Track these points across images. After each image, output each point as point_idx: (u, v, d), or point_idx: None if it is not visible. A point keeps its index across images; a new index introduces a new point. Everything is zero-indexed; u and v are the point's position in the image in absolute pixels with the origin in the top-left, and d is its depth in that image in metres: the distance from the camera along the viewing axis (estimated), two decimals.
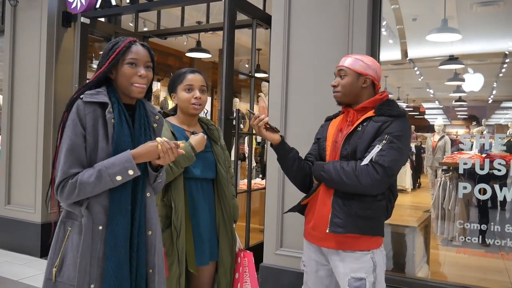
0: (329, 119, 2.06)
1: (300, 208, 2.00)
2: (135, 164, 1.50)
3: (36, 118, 4.40)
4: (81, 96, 1.52)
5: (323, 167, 1.82)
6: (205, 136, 2.01)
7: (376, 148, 1.72)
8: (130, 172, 1.49)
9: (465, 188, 2.91)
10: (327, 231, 1.77)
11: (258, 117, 1.88)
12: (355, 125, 1.84)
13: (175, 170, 1.89)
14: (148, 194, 1.62)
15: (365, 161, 1.71)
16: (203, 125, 2.16)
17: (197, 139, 1.97)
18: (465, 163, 2.87)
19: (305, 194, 2.01)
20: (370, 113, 1.83)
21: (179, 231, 1.91)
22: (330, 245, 1.82)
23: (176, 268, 1.91)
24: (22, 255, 4.38)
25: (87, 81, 1.60)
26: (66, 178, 1.46)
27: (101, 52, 1.64)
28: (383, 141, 1.72)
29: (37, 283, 3.65)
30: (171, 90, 2.08)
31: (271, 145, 1.96)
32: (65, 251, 1.51)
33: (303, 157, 2.03)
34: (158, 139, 1.55)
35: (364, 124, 1.81)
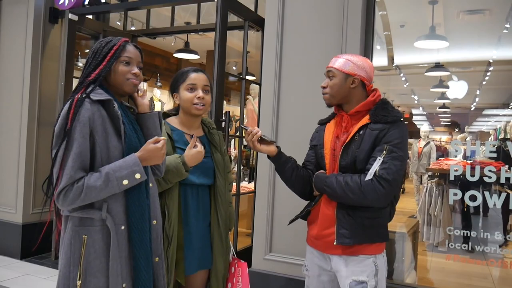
0: (323, 123, 2.03)
1: (303, 215, 1.99)
2: (143, 171, 1.50)
3: (20, 116, 4.29)
4: (85, 94, 1.48)
5: (325, 181, 1.79)
6: (203, 151, 1.91)
7: (378, 161, 1.70)
8: (137, 176, 1.49)
9: (455, 194, 2.93)
10: (335, 243, 1.76)
11: (251, 132, 1.86)
12: (352, 134, 1.81)
13: (163, 185, 1.82)
14: (151, 185, 1.64)
15: (369, 175, 1.69)
16: (204, 128, 2.09)
17: (192, 154, 1.87)
18: (456, 170, 2.89)
19: (303, 200, 2.00)
20: (366, 119, 1.80)
21: (170, 239, 1.84)
22: (335, 252, 1.81)
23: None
24: (2, 256, 4.25)
25: (88, 79, 1.54)
26: (72, 183, 1.42)
27: (89, 50, 1.60)
28: (384, 152, 1.71)
29: (17, 286, 3.55)
30: (173, 89, 2.00)
31: (268, 156, 1.94)
32: (87, 260, 1.46)
33: (301, 164, 2.01)
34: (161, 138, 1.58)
35: (361, 132, 1.79)
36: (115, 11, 4.51)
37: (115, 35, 4.62)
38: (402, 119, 1.79)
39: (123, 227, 1.50)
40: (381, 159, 1.70)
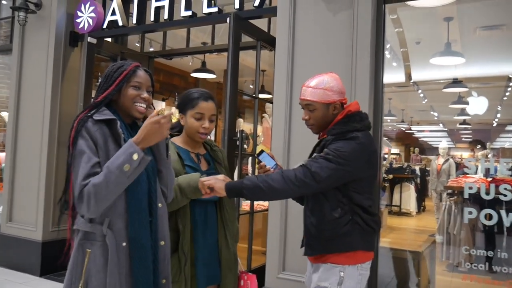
0: None
1: None
2: (140, 149, 1.48)
3: (41, 136, 4.42)
4: (89, 114, 1.55)
5: (244, 178, 1.84)
6: (224, 178, 1.91)
7: (308, 159, 1.82)
8: (135, 156, 1.45)
9: (470, 213, 2.87)
10: (303, 254, 1.93)
11: (264, 167, 1.97)
12: (314, 147, 1.96)
13: (179, 199, 1.84)
14: (160, 205, 1.65)
15: (297, 165, 1.80)
16: (206, 146, 2.14)
17: (216, 178, 1.89)
18: (470, 188, 2.83)
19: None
20: (325, 134, 1.92)
21: (187, 256, 1.87)
22: (311, 260, 1.95)
23: None
24: (22, 273, 4.34)
25: (94, 101, 1.61)
26: (83, 189, 1.45)
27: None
28: (321, 154, 1.80)
29: None
30: (181, 110, 2.04)
31: None
32: (88, 274, 1.49)
33: None
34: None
35: (319, 145, 1.91)
36: (132, 33, 4.64)
37: (132, 57, 4.77)
38: (352, 131, 1.81)
39: (124, 244, 1.51)
40: (315, 155, 1.82)
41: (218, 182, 1.83)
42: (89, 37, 4.12)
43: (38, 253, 4.32)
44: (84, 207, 1.44)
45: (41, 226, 4.34)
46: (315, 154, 1.85)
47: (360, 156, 1.80)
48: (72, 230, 1.60)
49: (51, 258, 4.30)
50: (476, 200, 2.94)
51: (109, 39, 4.61)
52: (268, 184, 1.76)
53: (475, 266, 2.88)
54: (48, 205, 4.36)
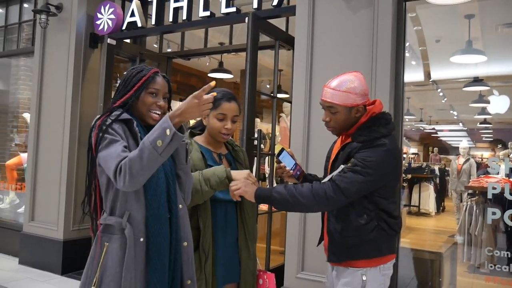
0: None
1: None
2: (172, 125, 1.44)
3: (62, 137, 4.49)
4: (110, 119, 1.57)
5: (274, 189, 1.82)
6: (248, 175, 1.92)
7: (339, 169, 1.76)
8: (168, 131, 1.42)
9: (494, 214, 2.82)
10: (326, 260, 1.90)
11: (284, 167, 1.99)
12: (335, 152, 1.89)
13: (204, 190, 1.84)
14: (180, 206, 1.66)
15: (325, 179, 1.77)
16: (228, 146, 2.14)
17: (241, 172, 1.92)
18: (494, 188, 2.78)
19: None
20: (349, 138, 1.85)
21: (207, 254, 1.88)
22: (333, 263, 1.92)
23: None
24: (44, 271, 4.42)
25: (112, 105, 1.64)
26: (120, 161, 1.44)
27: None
28: (348, 164, 1.75)
29: None
30: None
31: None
32: (104, 267, 1.50)
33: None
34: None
35: (343, 151, 1.84)
36: (151, 34, 4.68)
37: (151, 58, 4.82)
38: (380, 138, 1.75)
39: (142, 239, 1.52)
40: (342, 167, 1.76)
41: (247, 189, 1.82)
42: (108, 39, 4.17)
43: (59, 252, 4.39)
44: (121, 181, 1.44)
45: (62, 225, 4.41)
46: (342, 166, 1.76)
47: (387, 163, 1.76)
48: (94, 229, 1.62)
49: (72, 256, 4.36)
50: (500, 201, 2.89)
51: (128, 40, 4.66)
52: (296, 200, 1.75)
53: (498, 267, 2.83)
54: (69, 205, 4.43)
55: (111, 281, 1.48)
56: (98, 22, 4.47)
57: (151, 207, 1.55)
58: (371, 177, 1.71)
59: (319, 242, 2.07)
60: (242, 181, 1.84)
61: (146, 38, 5.00)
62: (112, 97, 1.70)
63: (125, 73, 1.69)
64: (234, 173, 1.90)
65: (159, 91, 1.66)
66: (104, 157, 1.49)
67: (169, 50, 5.66)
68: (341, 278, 1.84)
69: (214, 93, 1.53)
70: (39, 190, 4.66)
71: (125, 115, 1.58)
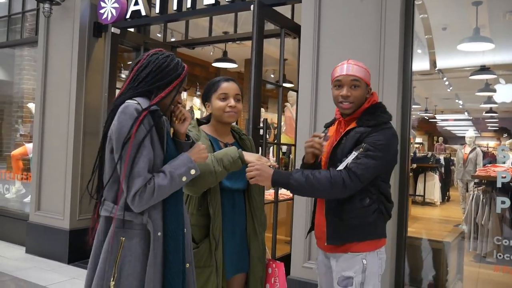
0: (327, 126, 2.10)
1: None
2: (197, 166, 1.58)
3: (67, 127, 4.49)
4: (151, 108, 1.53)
5: (291, 175, 1.80)
6: (259, 157, 1.92)
7: (352, 155, 1.77)
8: (192, 171, 1.57)
9: (503, 202, 2.80)
10: (326, 243, 1.87)
11: (320, 139, 1.90)
12: (340, 137, 1.89)
13: (217, 170, 1.81)
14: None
15: (341, 166, 1.77)
16: (235, 135, 2.13)
17: (252, 154, 1.92)
18: (503, 177, 2.75)
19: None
20: (353, 123, 1.87)
21: (217, 241, 1.88)
22: (330, 251, 1.92)
23: (214, 278, 1.88)
24: (51, 261, 4.45)
25: (156, 97, 1.56)
26: (145, 184, 1.46)
27: (144, 58, 1.61)
28: (360, 149, 1.77)
29: None
30: (205, 99, 2.05)
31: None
32: (122, 262, 1.50)
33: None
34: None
35: (348, 136, 1.86)
36: (155, 23, 4.65)
37: (155, 47, 4.73)
38: (386, 123, 1.84)
39: (159, 233, 1.53)
40: (356, 154, 1.76)
41: (264, 173, 1.80)
42: (112, 28, 4.14)
43: (65, 241, 4.41)
44: (138, 203, 1.46)
45: (68, 214, 4.43)
46: (355, 153, 1.77)
47: (394, 146, 1.86)
48: (99, 216, 1.60)
49: (78, 246, 4.39)
50: (509, 189, 2.87)
51: (132, 29, 4.63)
52: (314, 187, 1.76)
53: (507, 256, 2.82)
54: (75, 194, 4.44)
55: (129, 275, 1.49)
56: (101, 11, 4.43)
57: (169, 202, 1.56)
58: (381, 160, 1.78)
59: (309, 232, 2.10)
60: (259, 163, 1.82)
61: (150, 27, 4.97)
62: (134, 79, 1.59)
63: (152, 56, 1.61)
64: (246, 155, 1.89)
65: (182, 89, 1.67)
66: (127, 161, 1.46)
67: (173, 39, 5.62)
68: (340, 264, 1.86)
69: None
70: (45, 180, 4.67)
71: (154, 107, 1.55)
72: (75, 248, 4.41)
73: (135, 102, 1.52)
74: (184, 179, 1.55)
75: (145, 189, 1.45)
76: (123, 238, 1.51)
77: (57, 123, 4.59)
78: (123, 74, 5.53)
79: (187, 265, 1.64)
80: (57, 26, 4.65)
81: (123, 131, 1.47)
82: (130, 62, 1.67)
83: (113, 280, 1.48)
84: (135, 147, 1.46)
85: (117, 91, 1.96)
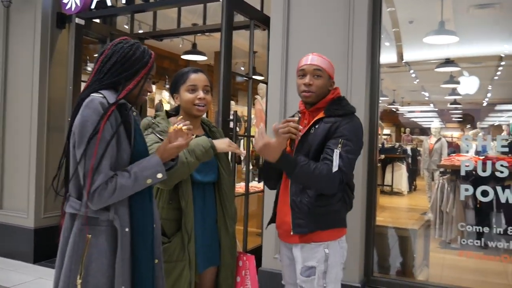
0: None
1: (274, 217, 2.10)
2: (165, 170, 1.54)
3: (30, 121, 4.33)
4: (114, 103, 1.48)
5: (298, 161, 1.81)
6: (230, 143, 1.95)
7: (336, 153, 1.80)
8: (159, 175, 1.53)
9: (467, 190, 2.89)
10: (292, 233, 1.88)
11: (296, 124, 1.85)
12: (307, 127, 1.92)
13: (190, 160, 1.79)
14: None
15: (335, 167, 1.79)
16: (204, 127, 2.11)
17: (222, 141, 1.94)
18: (467, 165, 2.84)
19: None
20: (321, 114, 1.91)
21: (190, 235, 1.87)
22: (292, 241, 1.93)
23: (187, 273, 1.87)
24: (15, 261, 4.30)
25: (124, 90, 1.52)
26: (106, 181, 1.42)
27: (109, 48, 1.56)
28: (339, 145, 1.81)
29: None
30: (174, 90, 2.02)
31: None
32: (89, 259, 1.46)
33: None
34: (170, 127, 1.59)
35: (316, 126, 1.90)
36: (121, 14, 4.53)
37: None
38: (354, 113, 1.93)
39: (127, 229, 1.49)
40: (338, 152, 1.80)
41: (270, 148, 1.78)
42: (76, 18, 4.02)
43: (30, 240, 4.27)
44: (96, 201, 1.42)
45: (32, 212, 4.29)
46: (335, 150, 1.80)
47: (361, 137, 1.94)
48: (64, 213, 1.56)
49: (44, 244, 4.26)
50: (472, 177, 2.97)
51: (97, 20, 4.50)
52: (314, 177, 1.78)
53: (470, 242, 2.92)
54: (39, 192, 4.30)
55: (97, 272, 1.46)
56: (65, 1, 4.28)
57: (135, 198, 1.52)
58: (356, 154, 1.88)
59: (270, 223, 2.10)
60: (262, 135, 1.80)
61: (116, 18, 4.84)
62: (100, 69, 1.54)
63: (117, 46, 1.55)
64: (217, 143, 1.89)
65: (152, 76, 1.63)
66: (90, 158, 1.42)
67: (140, 31, 5.51)
68: (303, 255, 1.89)
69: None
70: (7, 178, 4.50)
71: (121, 100, 1.51)
72: (41, 247, 4.27)
73: (101, 95, 1.47)
74: (149, 181, 1.51)
75: (105, 186, 1.42)
76: (89, 236, 1.47)
77: (19, 118, 4.41)
78: (89, 67, 5.37)
79: (156, 260, 1.61)
80: (17, 16, 4.46)
81: (86, 126, 1.43)
82: (97, 55, 1.60)
83: (79, 278, 1.44)
84: (99, 144, 1.42)
85: (83, 84, 1.89)
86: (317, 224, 1.86)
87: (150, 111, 7.52)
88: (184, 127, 1.59)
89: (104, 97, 1.47)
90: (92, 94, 1.48)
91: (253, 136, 5.41)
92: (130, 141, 1.51)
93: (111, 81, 1.52)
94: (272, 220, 2.08)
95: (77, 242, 1.47)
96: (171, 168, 1.67)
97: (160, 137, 1.87)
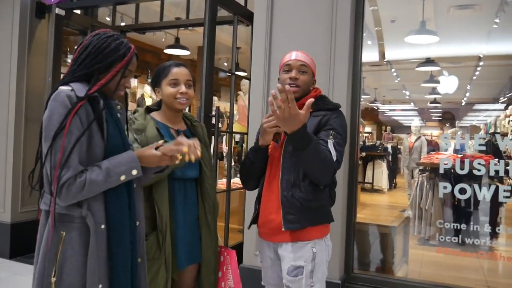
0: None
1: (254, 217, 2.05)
2: (140, 167, 1.48)
3: (7, 113, 4.22)
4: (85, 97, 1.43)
5: (316, 140, 1.78)
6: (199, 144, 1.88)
7: (330, 144, 1.81)
8: (134, 172, 1.46)
9: (445, 188, 2.94)
10: (283, 229, 1.83)
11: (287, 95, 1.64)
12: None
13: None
14: (134, 185, 1.58)
15: (334, 157, 1.80)
16: (186, 122, 2.08)
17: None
18: (445, 163, 2.89)
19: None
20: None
21: (164, 234, 1.84)
22: (281, 239, 1.89)
23: (163, 272, 1.84)
24: None
25: (96, 84, 1.46)
26: (75, 176, 1.37)
27: (82, 41, 1.52)
28: (330, 137, 1.83)
29: (7, 286, 3.51)
30: (155, 84, 1.98)
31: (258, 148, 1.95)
32: (63, 257, 1.42)
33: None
34: (184, 147, 1.50)
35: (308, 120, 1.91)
36: (103, 5, 4.45)
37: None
38: (339, 108, 1.98)
39: (102, 226, 1.45)
40: (332, 142, 1.82)
41: (292, 119, 1.66)
42: (57, 8, 3.92)
43: (7, 235, 4.17)
44: (65, 196, 1.38)
45: (9, 207, 4.19)
46: (328, 140, 1.82)
47: (347, 130, 2.00)
48: (40, 209, 1.51)
49: (21, 240, 4.17)
50: (450, 175, 3.02)
51: (78, 11, 4.40)
52: (322, 160, 1.75)
53: (448, 239, 2.97)
54: (16, 186, 4.21)
55: (71, 270, 1.41)
56: None
57: (111, 194, 1.47)
58: (344, 146, 1.90)
59: (252, 223, 2.05)
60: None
61: (98, 10, 4.75)
62: (74, 62, 1.50)
63: (93, 38, 1.49)
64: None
65: (132, 72, 1.57)
66: (57, 152, 1.37)
67: (122, 24, 5.42)
68: (290, 254, 1.86)
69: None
70: None
71: (94, 93, 1.45)
72: (18, 242, 4.18)
73: (69, 88, 1.42)
74: (122, 178, 1.44)
75: (74, 181, 1.37)
76: (64, 233, 1.43)
77: None
78: (69, 59, 5.26)
79: (139, 259, 1.57)
80: None
81: (52, 120, 1.39)
82: (76, 47, 1.55)
83: (54, 276, 1.40)
84: (67, 138, 1.37)
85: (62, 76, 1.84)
86: (308, 219, 1.84)
87: (132, 105, 7.43)
88: (193, 158, 1.51)
89: (73, 89, 1.42)
90: (60, 87, 1.43)
91: (236, 133, 5.41)
92: (103, 134, 1.47)
93: (83, 72, 1.47)
94: (254, 220, 2.03)
95: (47, 240, 1.43)
96: (162, 171, 1.64)
97: (134, 135, 1.84)
